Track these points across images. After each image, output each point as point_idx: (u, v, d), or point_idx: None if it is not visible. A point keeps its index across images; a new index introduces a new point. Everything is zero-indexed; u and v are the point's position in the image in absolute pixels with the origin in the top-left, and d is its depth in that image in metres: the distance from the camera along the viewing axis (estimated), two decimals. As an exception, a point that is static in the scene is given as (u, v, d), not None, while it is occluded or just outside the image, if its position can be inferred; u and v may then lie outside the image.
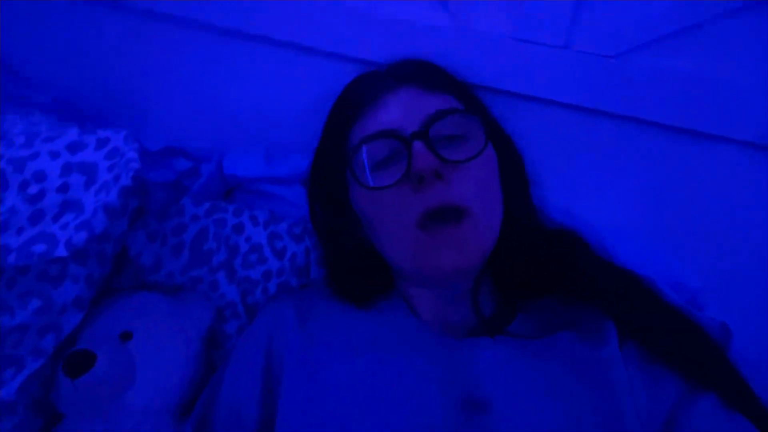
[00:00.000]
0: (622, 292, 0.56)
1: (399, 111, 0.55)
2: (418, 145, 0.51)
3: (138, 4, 0.78)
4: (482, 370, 0.52)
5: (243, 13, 0.75)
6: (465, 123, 0.54)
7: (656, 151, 0.68)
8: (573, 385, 0.50)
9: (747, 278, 0.67)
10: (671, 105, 0.65)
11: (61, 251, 0.56)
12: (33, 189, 0.57)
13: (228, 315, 0.69)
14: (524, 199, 0.63)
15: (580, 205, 0.72)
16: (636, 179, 0.70)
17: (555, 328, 0.55)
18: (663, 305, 0.55)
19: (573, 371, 0.51)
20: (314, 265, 0.72)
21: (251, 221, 0.72)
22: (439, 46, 0.70)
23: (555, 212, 0.70)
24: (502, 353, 0.53)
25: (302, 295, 0.67)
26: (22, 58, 0.83)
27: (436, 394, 0.52)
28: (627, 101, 0.67)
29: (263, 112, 0.82)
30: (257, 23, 0.75)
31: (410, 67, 0.62)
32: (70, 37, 0.82)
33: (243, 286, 0.70)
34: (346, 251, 0.64)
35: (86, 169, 0.59)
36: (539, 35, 0.68)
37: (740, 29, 0.62)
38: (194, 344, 0.64)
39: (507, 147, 0.63)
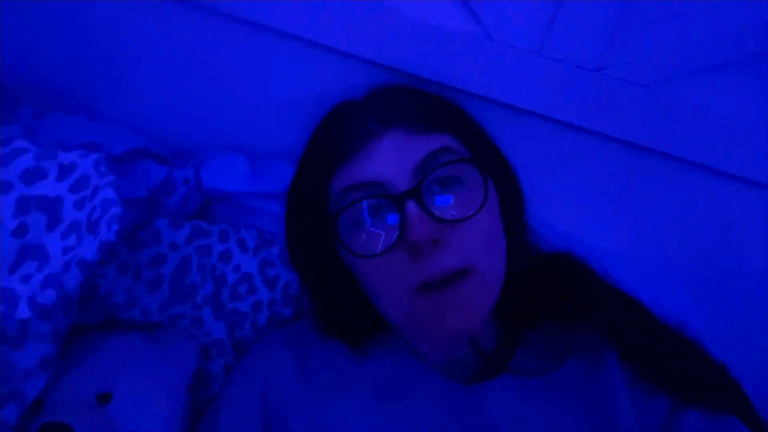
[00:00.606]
0: (625, 316, 0.54)
1: (386, 162, 0.49)
2: (411, 207, 0.46)
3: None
4: (496, 417, 0.50)
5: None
6: (461, 168, 0.49)
7: (679, 187, 0.65)
8: (583, 422, 0.49)
9: (753, 324, 0.67)
10: (702, 142, 0.62)
11: (24, 312, 0.46)
12: (-20, 234, 0.46)
13: (214, 354, 0.61)
14: (521, 228, 0.59)
15: (589, 235, 0.70)
16: (654, 213, 0.68)
17: (559, 357, 0.53)
18: (665, 331, 0.53)
19: (582, 406, 0.50)
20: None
21: (239, 246, 0.64)
22: (459, 53, 0.63)
23: (555, 237, 0.68)
24: (514, 397, 0.51)
25: (294, 333, 0.61)
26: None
27: None
28: (656, 134, 0.62)
29: (245, 106, 0.71)
30: (249, 7, 0.63)
31: (394, 103, 0.54)
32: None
33: (230, 319, 0.62)
34: (332, 293, 0.59)
35: (48, 206, 0.48)
36: (571, 56, 0.61)
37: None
38: (180, 395, 0.57)
39: (507, 176, 0.58)
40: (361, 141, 0.50)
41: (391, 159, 0.49)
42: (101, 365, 0.54)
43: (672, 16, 0.59)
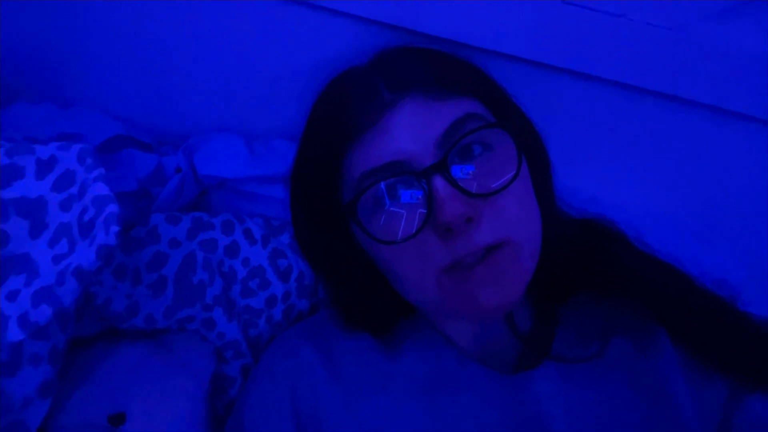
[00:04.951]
0: (668, 289, 0.50)
1: (405, 137, 0.43)
2: (439, 183, 0.41)
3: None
4: (545, 408, 0.47)
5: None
6: (489, 134, 0.44)
7: (705, 135, 0.62)
8: (637, 407, 0.46)
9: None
10: (729, 87, 0.58)
11: (15, 334, 0.40)
12: (-47, 249, 0.39)
13: (229, 356, 0.56)
14: (550, 194, 0.54)
15: (611, 190, 0.66)
16: (676, 164, 0.64)
17: (601, 337, 0.49)
18: (715, 302, 0.50)
19: (634, 393, 0.47)
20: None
21: (246, 237, 0.58)
22: (462, 3, 0.57)
23: (579, 200, 0.64)
24: (561, 386, 0.48)
25: (315, 327, 0.56)
26: None
27: None
28: (680, 80, 0.59)
29: (233, 79, 0.64)
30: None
31: (406, 66, 0.48)
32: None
33: (243, 318, 0.57)
34: (351, 282, 0.54)
35: (29, 210, 0.41)
36: (592, 1, 0.56)
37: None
38: (199, 404, 0.51)
39: (533, 139, 0.53)
40: (374, 114, 0.44)
41: (410, 132, 0.43)
42: (109, 382, 0.48)
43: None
